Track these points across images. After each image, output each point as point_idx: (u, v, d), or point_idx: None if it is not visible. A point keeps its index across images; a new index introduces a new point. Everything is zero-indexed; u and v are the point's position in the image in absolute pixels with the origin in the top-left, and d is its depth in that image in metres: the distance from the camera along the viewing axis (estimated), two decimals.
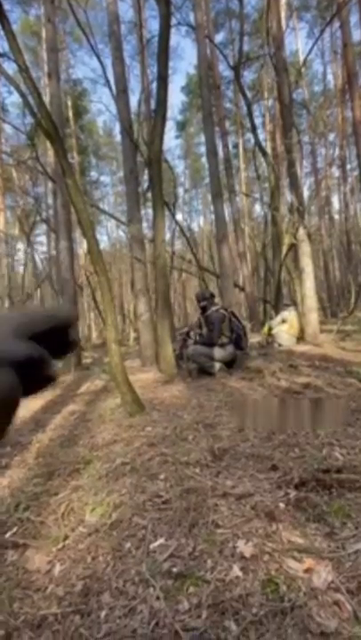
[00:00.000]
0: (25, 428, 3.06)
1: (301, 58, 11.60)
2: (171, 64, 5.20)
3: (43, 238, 19.07)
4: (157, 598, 0.97)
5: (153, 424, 2.51)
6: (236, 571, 1.02)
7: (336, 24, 10.96)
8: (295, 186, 6.31)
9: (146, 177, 8.12)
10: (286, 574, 0.99)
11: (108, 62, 6.37)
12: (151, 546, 1.20)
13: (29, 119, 10.95)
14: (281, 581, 0.96)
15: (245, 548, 1.12)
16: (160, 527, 1.29)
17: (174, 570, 1.06)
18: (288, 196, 7.64)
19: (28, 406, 3.89)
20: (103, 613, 0.96)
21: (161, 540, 1.21)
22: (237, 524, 1.24)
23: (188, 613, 0.91)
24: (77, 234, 13.18)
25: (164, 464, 1.82)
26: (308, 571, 1.00)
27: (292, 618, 0.85)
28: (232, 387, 3.37)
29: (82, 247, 16.18)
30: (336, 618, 0.83)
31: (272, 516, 1.27)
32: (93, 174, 22.02)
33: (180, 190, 19.03)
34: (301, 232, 5.96)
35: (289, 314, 5.95)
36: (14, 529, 1.45)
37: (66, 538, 1.34)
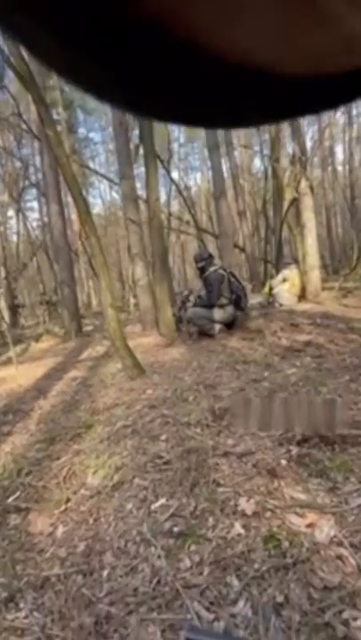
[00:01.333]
0: (27, 395, 3.07)
1: None
2: None
3: (34, 204, 18.36)
4: (159, 557, 0.96)
5: (154, 387, 2.49)
6: (238, 528, 1.01)
7: None
8: (297, 134, 5.87)
9: (137, 132, 7.57)
10: (288, 530, 0.98)
11: None
12: (152, 506, 1.19)
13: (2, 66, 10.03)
14: (283, 537, 0.95)
15: (247, 505, 1.10)
16: (161, 487, 1.28)
17: (175, 529, 1.05)
18: (289, 147, 7.16)
19: (30, 374, 3.90)
20: (105, 573, 0.96)
21: (162, 501, 1.21)
22: (239, 482, 1.23)
23: (190, 571, 0.91)
24: (69, 198, 12.63)
25: (165, 425, 1.81)
26: (310, 526, 0.98)
27: (295, 573, 0.84)
28: (232, 347, 3.33)
29: (74, 211, 15.59)
30: (340, 572, 0.82)
31: (274, 472, 1.25)
32: (82, 131, 20.72)
33: (175, 145, 17.95)
34: (303, 185, 5.64)
35: (290, 272, 5.80)
36: (17, 493, 1.46)
37: (68, 501, 1.34)
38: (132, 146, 6.53)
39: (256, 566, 0.88)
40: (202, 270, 4.16)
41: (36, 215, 17.74)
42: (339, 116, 15.01)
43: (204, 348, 3.46)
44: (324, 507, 1.04)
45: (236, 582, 0.85)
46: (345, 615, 0.73)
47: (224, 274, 4.05)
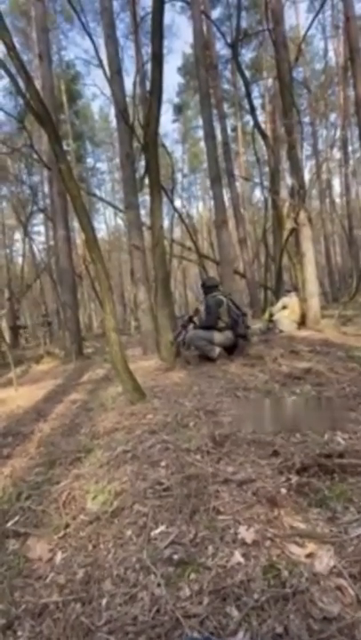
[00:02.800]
0: (27, 417, 3.06)
1: (301, 33, 11.17)
2: (166, 43, 5.01)
3: (40, 228, 18.86)
4: (158, 585, 0.96)
5: (154, 411, 2.50)
6: (238, 557, 1.01)
7: None
8: (296, 168, 6.16)
9: (143, 162, 7.95)
10: (288, 559, 0.98)
11: (101, 42, 6.14)
12: (152, 533, 1.19)
13: (22, 106, 10.65)
14: (283, 567, 0.95)
15: (247, 533, 1.11)
16: (161, 514, 1.28)
17: (175, 557, 1.05)
18: (288, 180, 7.49)
19: (30, 396, 3.90)
20: (104, 601, 0.96)
21: (162, 528, 1.21)
22: (239, 510, 1.23)
23: (190, 600, 0.90)
24: (75, 223, 13.02)
25: (165, 451, 1.81)
26: (310, 556, 0.99)
27: (294, 603, 0.84)
28: (233, 373, 3.35)
29: (80, 236, 16.01)
30: (339, 603, 0.82)
31: (274, 501, 1.26)
32: (90, 161, 21.64)
33: (179, 176, 18.69)
34: (302, 216, 5.86)
35: (290, 299, 5.90)
36: (16, 518, 1.45)
37: (67, 526, 1.34)
38: (137, 176, 6.83)
39: (256, 596, 0.88)
40: (206, 294, 4.33)
41: (42, 238, 18.18)
42: (335, 151, 15.75)
43: (205, 374, 3.48)
44: (324, 536, 1.05)
45: (235, 612, 0.85)
46: None
47: (223, 299, 4.16)
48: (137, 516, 1.31)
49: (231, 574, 0.96)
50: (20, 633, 0.90)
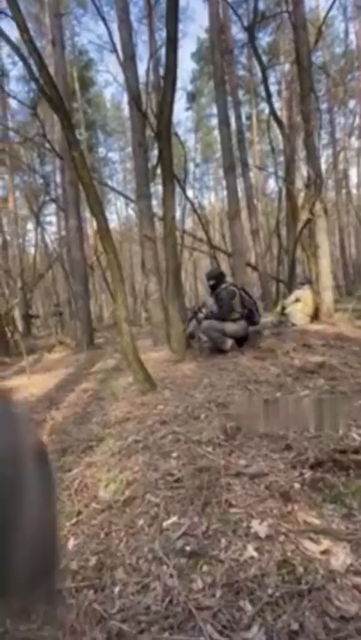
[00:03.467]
0: (39, 405, 3.11)
1: (322, 15, 10.74)
2: (180, 26, 4.82)
3: (52, 218, 18.93)
4: (171, 576, 0.96)
5: (165, 402, 2.50)
6: (251, 551, 1.00)
7: None
8: (312, 157, 5.98)
9: (155, 152, 7.84)
10: (303, 555, 0.96)
11: (115, 27, 6.01)
12: (164, 524, 1.19)
13: (35, 92, 10.60)
14: (298, 563, 0.94)
15: (260, 527, 1.09)
16: (173, 505, 1.28)
17: (187, 548, 1.05)
18: (304, 170, 7.29)
19: (42, 384, 3.95)
20: (117, 589, 0.96)
21: (174, 519, 1.20)
22: (251, 503, 1.22)
23: (202, 592, 0.90)
24: (87, 213, 13.00)
25: (177, 442, 1.81)
26: (325, 552, 0.97)
27: (310, 600, 0.82)
28: (244, 365, 3.32)
29: (92, 226, 16.01)
30: (356, 602, 0.80)
31: (287, 496, 1.24)
32: (102, 151, 21.50)
33: (191, 165, 18.43)
34: (318, 207, 5.70)
35: (303, 292, 5.79)
36: None
37: (79, 513, 1.35)
38: (149, 165, 6.75)
39: (270, 591, 0.87)
40: (213, 288, 4.23)
41: (53, 229, 18.26)
42: (353, 140, 15.26)
43: (216, 366, 3.46)
44: (340, 533, 1.03)
45: (249, 607, 0.84)
46: None
47: (235, 290, 4.09)
48: (148, 505, 1.31)
49: (244, 568, 0.95)
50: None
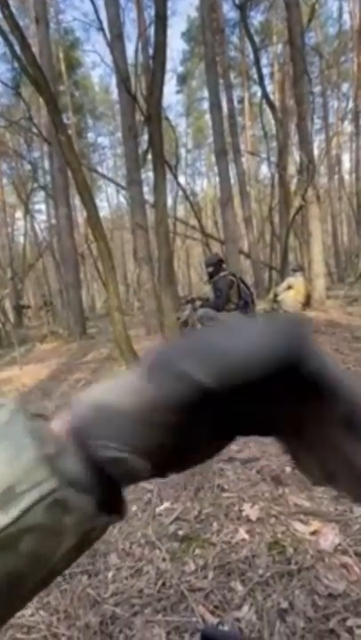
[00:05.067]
0: (32, 396, 3.10)
1: None
2: (170, 4, 4.63)
3: (42, 206, 18.52)
4: (164, 560, 0.97)
5: None
6: (242, 533, 1.02)
7: None
8: (305, 141, 5.90)
9: (146, 137, 7.66)
10: (293, 537, 0.98)
11: (101, 4, 5.77)
12: (157, 509, 1.20)
13: (17, 72, 10.21)
14: (288, 544, 0.96)
15: (251, 511, 1.11)
16: (166, 491, 1.29)
17: (180, 532, 1.06)
18: (296, 155, 7.21)
19: (35, 375, 3.93)
20: (110, 574, 0.97)
21: (167, 504, 1.22)
22: (243, 487, 1.24)
23: (195, 574, 0.91)
24: (77, 201, 12.76)
25: None
26: (314, 533, 0.99)
27: (299, 580, 0.84)
28: None
29: (82, 215, 15.74)
30: (344, 580, 0.82)
31: (278, 479, 1.26)
32: (91, 136, 20.95)
33: (182, 151, 18.10)
34: (310, 193, 5.66)
35: (295, 280, 5.81)
36: None
37: None
38: (140, 151, 6.60)
39: (260, 572, 0.89)
40: (211, 275, 4.19)
41: (43, 217, 17.89)
42: (346, 125, 15.11)
43: None
44: (329, 515, 1.05)
45: (240, 587, 0.86)
46: (349, 623, 0.73)
47: (233, 279, 4.06)
48: (142, 492, 1.32)
49: (236, 550, 0.97)
50: (27, 604, 0.92)
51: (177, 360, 0.16)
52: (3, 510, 0.15)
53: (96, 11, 5.52)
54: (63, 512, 0.15)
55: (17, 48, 2.59)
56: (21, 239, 16.43)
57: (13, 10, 2.79)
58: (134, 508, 1.24)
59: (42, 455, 0.16)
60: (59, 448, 0.16)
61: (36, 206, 18.70)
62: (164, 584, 0.90)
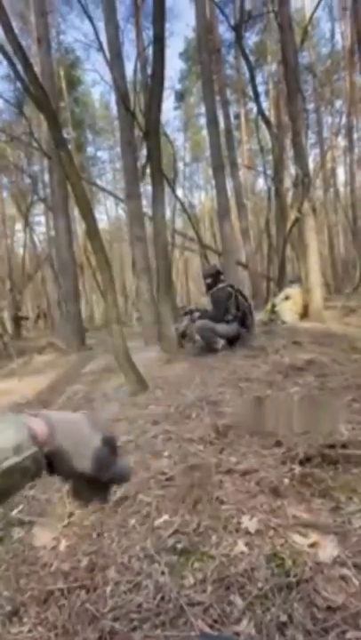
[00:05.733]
0: (30, 407, 3.08)
1: (308, 15, 10.85)
2: (167, 25, 4.84)
3: (41, 218, 18.71)
4: (162, 573, 0.97)
5: (156, 402, 2.50)
6: (241, 546, 1.02)
7: None
8: (300, 156, 6.04)
9: (144, 151, 7.82)
10: (292, 549, 0.98)
11: (101, 26, 5.97)
12: (156, 522, 1.20)
13: (20, 92, 10.45)
14: (286, 556, 0.96)
15: (250, 523, 1.11)
16: (164, 504, 1.29)
17: (179, 546, 1.06)
18: (292, 169, 7.37)
19: (33, 386, 3.92)
20: (109, 588, 0.97)
21: (165, 517, 1.21)
22: (242, 499, 1.24)
23: (193, 588, 0.91)
24: (76, 213, 12.91)
25: (168, 441, 1.82)
26: (313, 545, 0.99)
27: (298, 592, 0.84)
28: (235, 364, 3.35)
29: (81, 227, 15.89)
30: (343, 592, 0.82)
31: (277, 491, 1.26)
32: (90, 150, 21.32)
33: (180, 165, 18.41)
34: (306, 205, 5.77)
35: (293, 290, 5.87)
36: (20, 506, 1.46)
37: (71, 515, 1.35)
38: (138, 165, 6.74)
39: (260, 585, 0.88)
40: (209, 286, 4.23)
41: (42, 229, 18.05)
42: (340, 139, 15.47)
43: (207, 365, 3.48)
44: (328, 526, 1.05)
45: (239, 601, 0.86)
46: (348, 636, 0.73)
47: (231, 291, 4.10)
48: (140, 505, 1.32)
49: (235, 563, 0.96)
50: (25, 619, 0.92)
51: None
52: (16, 455, 0.35)
53: (96, 33, 5.72)
54: (33, 464, 0.37)
55: (19, 68, 2.68)
56: (20, 250, 16.54)
57: (16, 30, 2.90)
58: (133, 521, 1.24)
59: (28, 436, 0.37)
60: (34, 438, 0.37)
61: (36, 218, 18.89)
62: (162, 598, 0.89)
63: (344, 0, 13.14)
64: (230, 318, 4.03)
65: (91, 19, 6.04)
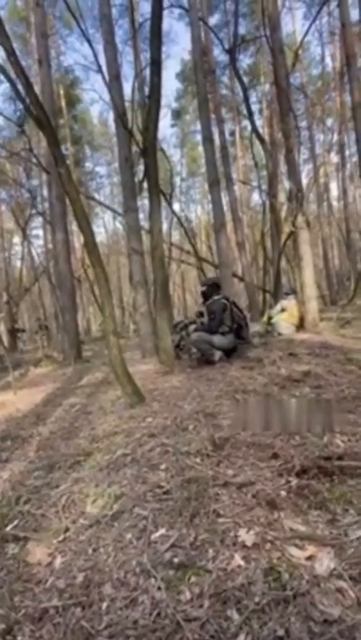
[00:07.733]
0: (25, 420, 3.06)
1: (298, 39, 11.30)
2: (164, 48, 5.06)
3: (39, 232, 18.87)
4: (159, 589, 0.96)
5: (153, 415, 2.49)
6: (238, 560, 1.01)
7: (333, 3, 10.63)
8: (293, 172, 6.20)
9: (142, 167, 7.98)
10: (288, 562, 0.98)
11: (100, 48, 6.19)
12: (152, 536, 1.19)
13: (22, 111, 10.69)
14: (283, 569, 0.95)
15: (247, 536, 1.11)
16: (161, 517, 1.28)
17: (176, 560, 1.05)
18: (286, 184, 7.54)
19: (29, 399, 3.89)
20: (104, 605, 0.95)
21: (162, 531, 1.21)
22: (239, 512, 1.23)
23: (190, 603, 0.90)
24: (74, 226, 13.04)
25: (165, 454, 1.81)
26: (310, 558, 0.99)
27: (295, 606, 0.84)
28: (232, 376, 3.35)
29: (79, 240, 16.04)
30: (339, 605, 0.82)
31: (274, 504, 1.26)
32: (88, 165, 21.71)
33: (177, 180, 18.76)
34: (300, 219, 5.88)
35: (288, 302, 5.92)
36: (15, 522, 1.45)
37: (67, 530, 1.33)
38: (136, 180, 6.86)
39: (256, 599, 0.88)
40: (205, 296, 4.27)
41: (40, 242, 18.18)
42: (333, 155, 15.90)
43: (204, 377, 3.48)
44: (324, 539, 1.05)
45: (236, 615, 0.85)
46: None
47: (227, 303, 4.14)
48: (137, 519, 1.31)
49: (232, 577, 0.96)
50: (20, 638, 0.90)
51: None
52: None
53: (95, 55, 5.92)
54: None
55: (21, 89, 2.77)
56: (18, 263, 16.60)
57: (17, 52, 3.01)
58: (129, 535, 1.23)
59: None
60: None
61: (34, 231, 19.04)
62: (159, 614, 0.89)
63: (333, 25, 13.72)
64: (226, 330, 4.05)
65: (90, 42, 6.26)
